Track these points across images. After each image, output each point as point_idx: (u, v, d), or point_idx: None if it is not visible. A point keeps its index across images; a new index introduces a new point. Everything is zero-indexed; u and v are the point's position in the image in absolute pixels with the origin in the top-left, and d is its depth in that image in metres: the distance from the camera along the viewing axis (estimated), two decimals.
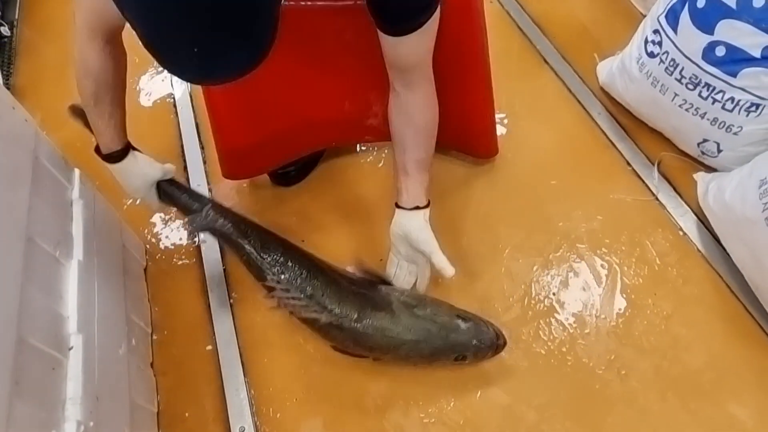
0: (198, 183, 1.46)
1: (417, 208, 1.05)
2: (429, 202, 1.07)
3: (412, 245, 1.06)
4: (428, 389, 1.12)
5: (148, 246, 1.36)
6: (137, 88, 1.71)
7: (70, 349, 0.90)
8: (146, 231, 1.37)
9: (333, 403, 1.12)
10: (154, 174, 1.10)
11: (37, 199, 0.93)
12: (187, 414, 1.14)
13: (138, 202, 1.17)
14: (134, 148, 1.08)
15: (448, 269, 1.03)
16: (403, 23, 0.86)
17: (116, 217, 1.24)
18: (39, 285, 0.87)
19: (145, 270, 1.32)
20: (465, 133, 1.31)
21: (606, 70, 1.50)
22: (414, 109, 1.00)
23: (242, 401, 1.13)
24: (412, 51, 0.91)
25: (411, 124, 1.01)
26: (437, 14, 0.87)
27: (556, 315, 1.19)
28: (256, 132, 1.23)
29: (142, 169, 1.08)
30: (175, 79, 1.69)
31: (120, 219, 1.26)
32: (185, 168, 1.50)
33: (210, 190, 1.45)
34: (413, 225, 1.05)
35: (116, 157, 1.04)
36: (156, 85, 1.72)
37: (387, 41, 0.89)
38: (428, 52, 0.94)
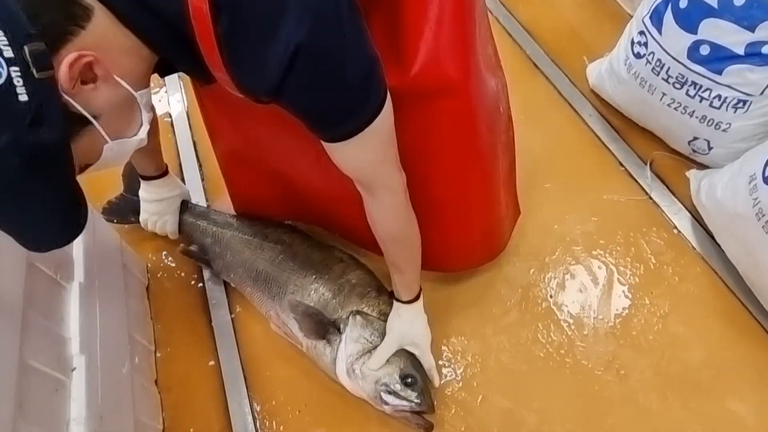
0: (197, 200, 1.48)
1: (403, 301, 1.06)
2: (416, 296, 1.06)
3: (403, 339, 1.06)
4: None
5: (149, 265, 1.38)
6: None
7: (73, 370, 0.91)
8: (147, 250, 1.39)
9: (336, 414, 1.13)
10: (183, 195, 1.29)
11: None
12: (192, 430, 1.15)
13: (157, 224, 1.29)
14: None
15: (435, 378, 1.09)
16: (329, 129, 0.76)
17: (117, 238, 1.26)
18: (40, 308, 0.89)
19: (147, 288, 1.33)
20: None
21: (595, 72, 1.52)
22: (376, 217, 0.93)
23: (246, 415, 1.14)
24: (351, 159, 0.82)
25: (375, 232, 0.96)
26: (380, 125, 0.76)
27: (553, 317, 1.20)
28: (259, 186, 1.23)
29: (173, 190, 1.27)
30: (172, 98, 1.72)
31: (120, 239, 1.27)
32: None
33: (208, 206, 1.47)
34: (404, 319, 1.06)
35: (157, 177, 1.23)
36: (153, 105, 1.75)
37: (325, 146, 0.80)
38: (377, 163, 0.84)
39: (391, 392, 1.03)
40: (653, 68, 1.28)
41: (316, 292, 1.14)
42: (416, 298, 1.07)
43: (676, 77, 1.24)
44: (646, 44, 1.29)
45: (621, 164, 1.41)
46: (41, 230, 0.61)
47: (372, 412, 1.12)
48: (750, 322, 1.15)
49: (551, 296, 1.23)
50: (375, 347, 1.06)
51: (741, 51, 1.13)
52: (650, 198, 1.34)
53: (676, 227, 1.29)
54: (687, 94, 1.24)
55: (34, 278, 0.90)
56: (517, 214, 1.26)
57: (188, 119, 1.66)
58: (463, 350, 1.17)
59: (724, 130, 1.23)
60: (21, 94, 0.52)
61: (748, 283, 1.15)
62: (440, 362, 1.16)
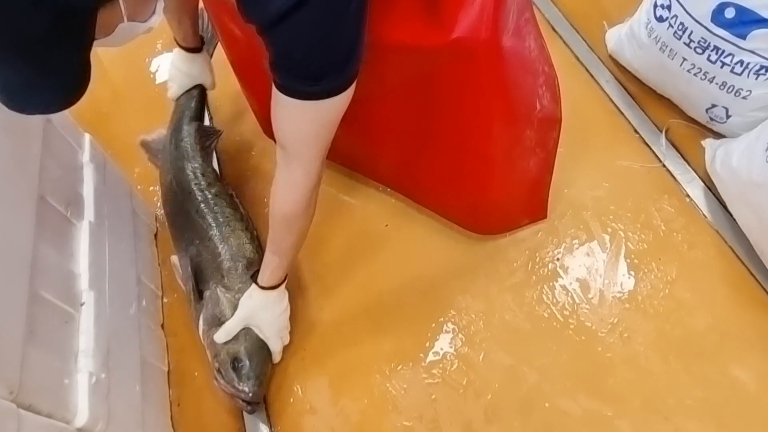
0: None
1: (260, 286, 1.06)
2: (275, 285, 1.06)
3: (250, 320, 1.07)
4: (432, 351, 1.14)
5: (158, 214, 1.39)
6: (150, 67, 1.73)
7: (82, 304, 0.93)
8: (156, 198, 1.39)
9: (339, 361, 1.14)
10: (198, 79, 1.32)
11: (48, 159, 0.95)
12: (196, 373, 1.17)
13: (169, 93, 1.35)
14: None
15: (276, 357, 1.11)
16: (295, 81, 0.76)
17: (127, 184, 1.27)
18: (51, 242, 0.90)
19: (155, 236, 1.34)
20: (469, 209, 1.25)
21: (615, 37, 1.49)
22: (277, 189, 0.93)
23: None
24: (291, 121, 0.83)
25: (272, 206, 0.96)
26: (335, 104, 0.79)
27: (559, 279, 1.20)
28: None
29: (192, 70, 1.31)
30: None
31: (130, 185, 1.28)
32: None
33: (218, 160, 1.46)
34: (254, 301, 1.07)
35: (185, 49, 1.29)
36: (167, 61, 1.74)
37: (273, 91, 0.80)
38: (311, 139, 0.85)
39: (219, 370, 1.05)
40: (675, 32, 1.25)
41: (204, 252, 1.15)
42: (275, 287, 1.06)
43: (699, 42, 1.21)
44: (669, 7, 1.25)
45: (636, 131, 1.38)
46: (40, 91, 0.60)
47: (374, 364, 1.14)
48: (757, 290, 1.14)
49: (558, 259, 1.23)
50: (224, 322, 1.07)
51: (767, 15, 1.10)
52: (664, 166, 1.32)
53: (688, 195, 1.28)
54: (708, 59, 1.21)
55: (45, 212, 0.91)
56: (540, 216, 1.26)
57: None
58: (467, 307, 1.18)
59: (744, 98, 1.21)
60: None
61: (759, 252, 1.14)
62: (443, 318, 1.17)
